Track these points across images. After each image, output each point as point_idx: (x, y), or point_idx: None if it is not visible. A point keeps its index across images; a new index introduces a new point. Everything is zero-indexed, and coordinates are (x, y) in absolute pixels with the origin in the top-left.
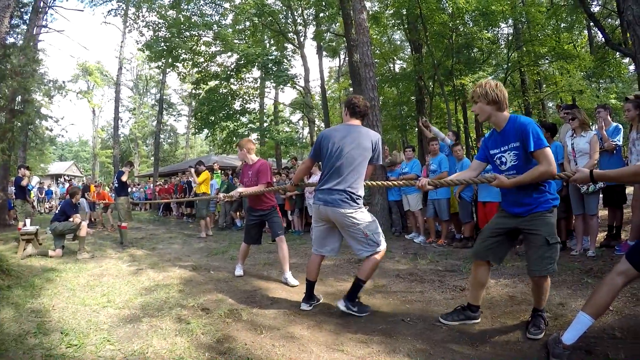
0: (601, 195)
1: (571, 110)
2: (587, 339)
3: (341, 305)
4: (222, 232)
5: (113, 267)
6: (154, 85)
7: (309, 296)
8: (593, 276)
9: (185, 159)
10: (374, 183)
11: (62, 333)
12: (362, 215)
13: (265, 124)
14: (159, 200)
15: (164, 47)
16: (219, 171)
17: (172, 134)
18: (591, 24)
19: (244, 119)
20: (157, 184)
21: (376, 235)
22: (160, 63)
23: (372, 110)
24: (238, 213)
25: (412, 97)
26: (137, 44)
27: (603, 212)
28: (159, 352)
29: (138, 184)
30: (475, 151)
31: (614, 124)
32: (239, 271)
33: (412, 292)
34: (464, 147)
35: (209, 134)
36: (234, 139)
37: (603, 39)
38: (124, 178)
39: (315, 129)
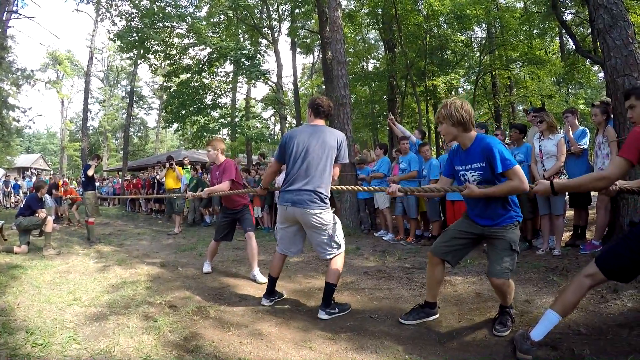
0: (567, 196)
1: (539, 114)
2: (553, 335)
3: (323, 316)
4: (191, 229)
5: (80, 263)
6: (125, 76)
7: (270, 292)
8: (558, 274)
9: (155, 153)
10: (347, 188)
11: (27, 332)
12: (329, 217)
13: (236, 119)
14: (127, 195)
15: (136, 37)
16: (189, 166)
17: (142, 128)
18: (563, 31)
19: (215, 114)
20: (126, 178)
21: (339, 236)
22: (131, 54)
23: (343, 108)
24: (207, 210)
25: (384, 96)
26: (109, 33)
27: (569, 213)
28: (126, 351)
29: (106, 179)
30: (445, 152)
31: (581, 128)
32: (207, 268)
33: (380, 290)
34: (434, 147)
35: (179, 128)
36: (205, 133)
37: (574, 46)
38: (90, 172)
39: (287, 125)
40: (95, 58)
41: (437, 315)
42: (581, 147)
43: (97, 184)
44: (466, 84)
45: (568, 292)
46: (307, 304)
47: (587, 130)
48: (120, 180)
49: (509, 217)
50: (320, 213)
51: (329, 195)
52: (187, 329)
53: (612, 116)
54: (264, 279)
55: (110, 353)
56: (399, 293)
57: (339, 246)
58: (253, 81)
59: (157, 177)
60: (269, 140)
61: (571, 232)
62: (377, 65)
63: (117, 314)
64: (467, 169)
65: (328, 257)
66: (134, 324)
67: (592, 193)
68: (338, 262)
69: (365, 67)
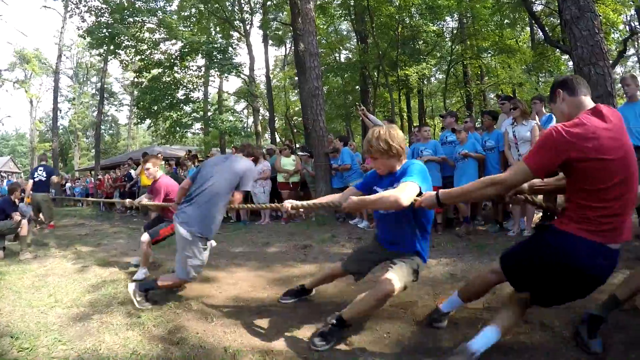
0: None
1: (513, 100)
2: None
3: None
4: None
5: (58, 266)
6: (95, 73)
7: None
8: None
9: (128, 150)
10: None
11: (12, 337)
12: (198, 249)
13: (209, 113)
14: (99, 196)
15: (106, 33)
16: (163, 162)
17: (113, 125)
18: (533, 21)
19: (187, 108)
20: (98, 177)
21: (191, 268)
22: (101, 50)
23: (316, 100)
24: None
25: (357, 87)
26: (78, 30)
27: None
28: (112, 348)
29: (79, 179)
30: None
31: (548, 113)
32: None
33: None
34: (407, 136)
35: (152, 124)
36: (177, 128)
37: (543, 36)
38: (55, 180)
39: (260, 117)
40: (64, 55)
41: (313, 292)
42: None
43: (68, 184)
44: (438, 73)
45: (474, 282)
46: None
47: (553, 116)
48: (93, 179)
49: (414, 247)
50: (195, 246)
51: (219, 224)
52: (170, 322)
53: None
54: (140, 276)
55: (97, 351)
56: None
57: (186, 274)
58: (225, 75)
59: (133, 174)
60: (243, 133)
61: (541, 214)
62: (350, 56)
63: (100, 313)
64: (383, 188)
65: (176, 275)
66: (117, 322)
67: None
68: (169, 280)
69: (337, 58)
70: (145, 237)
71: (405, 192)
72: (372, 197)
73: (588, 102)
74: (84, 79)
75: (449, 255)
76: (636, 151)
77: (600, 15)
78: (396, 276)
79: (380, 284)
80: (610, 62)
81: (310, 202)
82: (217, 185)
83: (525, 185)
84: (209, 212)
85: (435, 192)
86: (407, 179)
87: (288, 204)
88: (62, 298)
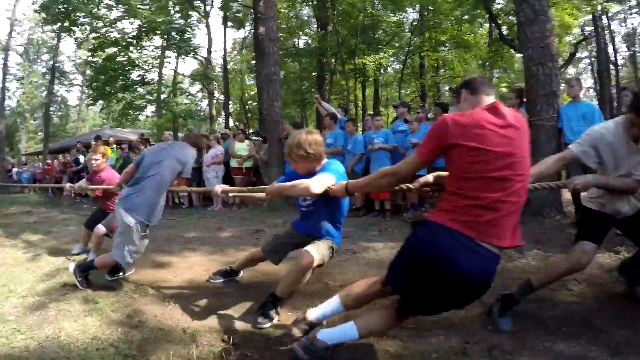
0: None
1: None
2: None
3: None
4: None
5: (8, 255)
6: (46, 51)
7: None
8: None
9: (77, 133)
10: None
11: None
12: (133, 235)
13: (163, 96)
14: (48, 181)
15: (62, 9)
16: (114, 146)
17: (62, 106)
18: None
19: (141, 90)
20: (47, 162)
21: (128, 254)
22: (55, 27)
23: (272, 85)
24: None
25: (314, 73)
26: (33, 4)
27: None
28: (72, 334)
29: (26, 163)
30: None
31: None
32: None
33: None
34: (360, 124)
35: (105, 106)
36: (131, 111)
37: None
38: None
39: (215, 101)
40: (15, 31)
41: (241, 275)
42: None
43: (15, 169)
44: (395, 63)
45: (357, 286)
46: (242, 275)
47: None
48: (41, 164)
49: (330, 236)
50: (133, 228)
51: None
52: (128, 307)
53: (525, 100)
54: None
55: (57, 338)
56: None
57: (121, 258)
58: (183, 56)
59: (81, 159)
60: (197, 117)
61: None
62: (309, 41)
63: (56, 301)
64: None
65: (112, 256)
66: (75, 309)
67: None
68: (105, 260)
69: (296, 43)
70: (102, 229)
71: (318, 182)
72: (289, 183)
73: (488, 100)
74: (35, 56)
75: (396, 240)
76: None
77: (553, 21)
78: (314, 249)
79: (300, 258)
80: (561, 63)
81: (237, 188)
82: (162, 174)
83: (430, 177)
84: (154, 199)
85: (345, 183)
86: (323, 172)
87: (218, 188)
88: (16, 288)
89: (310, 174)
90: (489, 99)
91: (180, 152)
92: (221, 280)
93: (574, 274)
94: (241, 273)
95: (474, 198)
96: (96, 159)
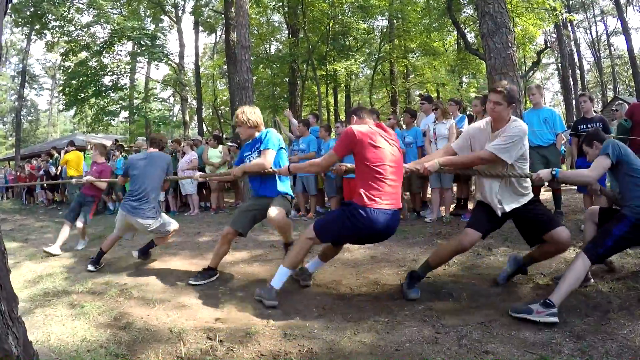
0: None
1: (435, 102)
2: (437, 283)
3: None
4: (95, 217)
5: None
6: (15, 53)
7: (97, 260)
8: (442, 238)
9: (48, 138)
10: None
11: None
12: (158, 223)
13: (135, 101)
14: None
15: (33, 11)
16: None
17: (32, 111)
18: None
19: (114, 96)
20: (20, 166)
21: (162, 227)
22: (26, 29)
23: (245, 92)
24: (110, 197)
25: (286, 79)
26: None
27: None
28: (62, 337)
29: None
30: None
31: (461, 115)
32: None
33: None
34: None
35: (77, 112)
36: (103, 117)
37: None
38: None
39: (188, 107)
40: None
41: (217, 275)
42: (460, 130)
43: None
44: (365, 69)
45: (294, 249)
46: (224, 276)
47: (465, 117)
48: (12, 170)
49: (275, 189)
50: (152, 223)
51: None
52: (114, 310)
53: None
54: (57, 252)
55: (48, 342)
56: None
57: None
58: (155, 62)
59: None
60: (170, 123)
61: (455, 204)
62: (280, 47)
63: (42, 307)
64: (251, 152)
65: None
66: (62, 313)
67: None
68: (161, 236)
69: (268, 49)
70: (82, 220)
71: (267, 159)
72: (248, 164)
73: (370, 121)
74: (4, 59)
75: None
76: (541, 149)
77: (514, 31)
78: (275, 208)
79: (271, 220)
80: (525, 71)
81: (210, 173)
82: (153, 182)
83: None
84: (153, 202)
85: (288, 164)
86: (265, 148)
87: (197, 173)
88: None
89: (253, 140)
90: (369, 121)
91: (160, 161)
92: (202, 283)
93: (460, 253)
94: (217, 271)
95: (378, 180)
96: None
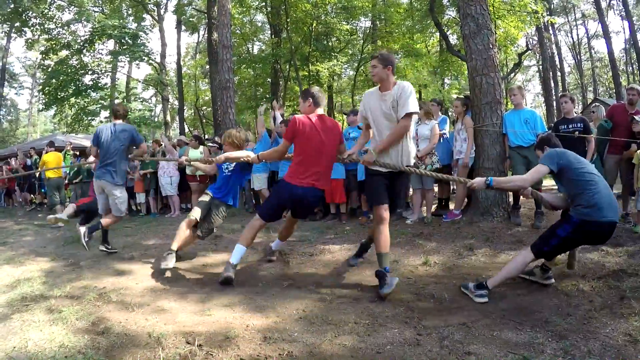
0: None
1: (418, 103)
2: (419, 284)
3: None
4: (73, 220)
5: None
6: None
7: (104, 239)
8: (423, 238)
9: (28, 139)
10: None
11: None
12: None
13: (116, 101)
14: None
15: (14, 8)
16: (71, 152)
17: (12, 110)
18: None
19: (94, 95)
20: None
21: (121, 206)
22: (6, 26)
23: (227, 92)
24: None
25: (268, 80)
26: None
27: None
28: (39, 343)
29: None
30: None
31: (442, 116)
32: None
33: (265, 261)
34: None
35: (57, 112)
36: (84, 116)
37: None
38: None
39: (169, 107)
40: None
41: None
42: (442, 132)
43: None
44: (348, 70)
45: (246, 231)
46: (203, 279)
47: (447, 118)
48: None
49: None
50: (115, 187)
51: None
52: (92, 314)
53: (470, 108)
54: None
55: (25, 348)
56: (284, 261)
57: (120, 212)
58: (136, 61)
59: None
60: (151, 123)
61: (436, 204)
62: (263, 47)
63: (19, 312)
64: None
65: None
66: (39, 318)
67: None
68: (109, 219)
69: (250, 49)
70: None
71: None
72: (233, 153)
73: (318, 111)
74: None
75: (351, 242)
76: (522, 150)
77: (495, 33)
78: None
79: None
80: (506, 72)
81: (195, 159)
82: (120, 149)
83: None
84: (120, 167)
85: (258, 154)
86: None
87: (183, 158)
88: None
89: None
90: (318, 110)
91: (124, 129)
92: (171, 265)
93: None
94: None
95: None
96: None
